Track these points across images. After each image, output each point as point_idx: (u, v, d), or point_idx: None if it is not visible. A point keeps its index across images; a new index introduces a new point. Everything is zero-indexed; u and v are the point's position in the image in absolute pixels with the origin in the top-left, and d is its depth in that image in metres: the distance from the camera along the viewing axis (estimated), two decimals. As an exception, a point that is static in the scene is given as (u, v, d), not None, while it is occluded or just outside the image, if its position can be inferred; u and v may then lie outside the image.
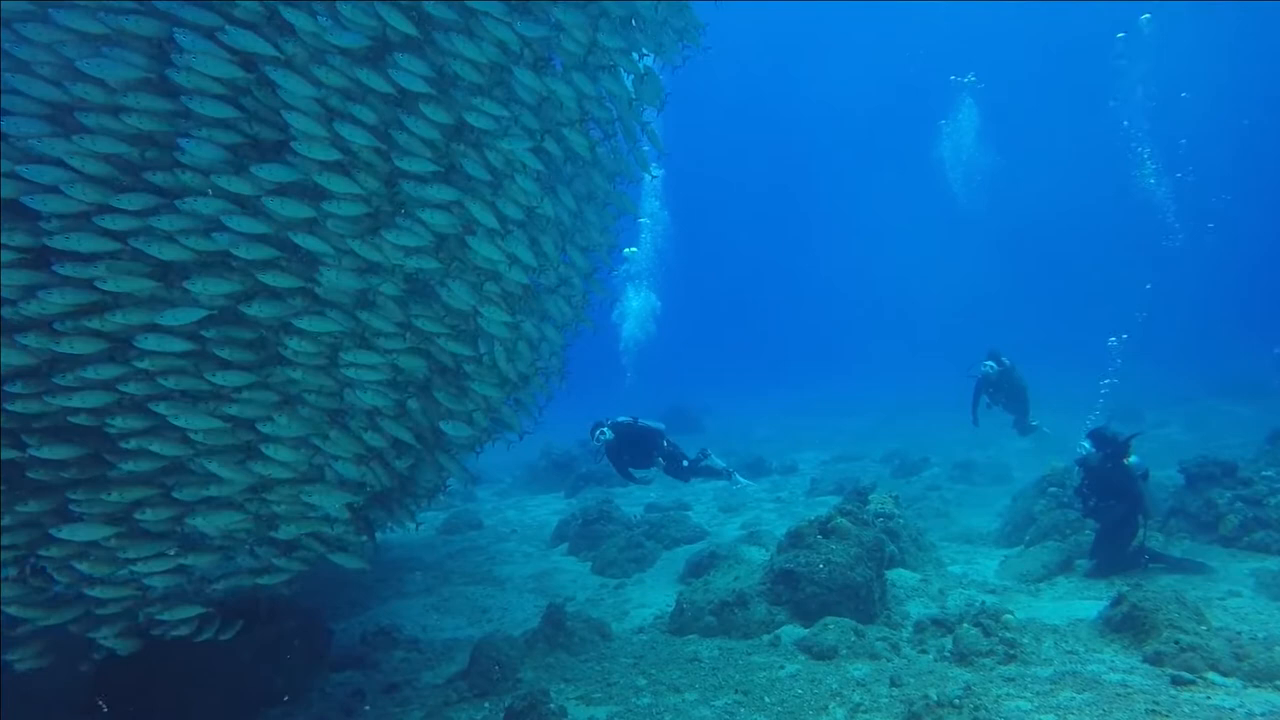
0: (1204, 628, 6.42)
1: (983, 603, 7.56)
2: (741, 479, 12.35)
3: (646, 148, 7.45)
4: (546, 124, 6.09)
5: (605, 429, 10.81)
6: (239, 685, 6.55)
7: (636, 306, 29.97)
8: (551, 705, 5.99)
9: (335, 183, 5.06)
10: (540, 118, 5.99)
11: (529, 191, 5.94)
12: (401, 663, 7.90)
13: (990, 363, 14.01)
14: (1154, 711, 5.33)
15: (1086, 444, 9.15)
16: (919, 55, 54.96)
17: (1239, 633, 6.42)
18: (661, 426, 11.29)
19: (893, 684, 6.14)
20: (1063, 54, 56.39)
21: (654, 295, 31.54)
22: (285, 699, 6.86)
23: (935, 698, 5.50)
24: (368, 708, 6.86)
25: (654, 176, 8.06)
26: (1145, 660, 6.22)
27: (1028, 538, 10.09)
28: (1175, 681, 5.80)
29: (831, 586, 7.61)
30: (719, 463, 11.84)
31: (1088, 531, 9.52)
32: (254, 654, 6.66)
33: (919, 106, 50.72)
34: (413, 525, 8.20)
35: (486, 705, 6.58)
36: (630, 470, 11.13)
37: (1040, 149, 58.88)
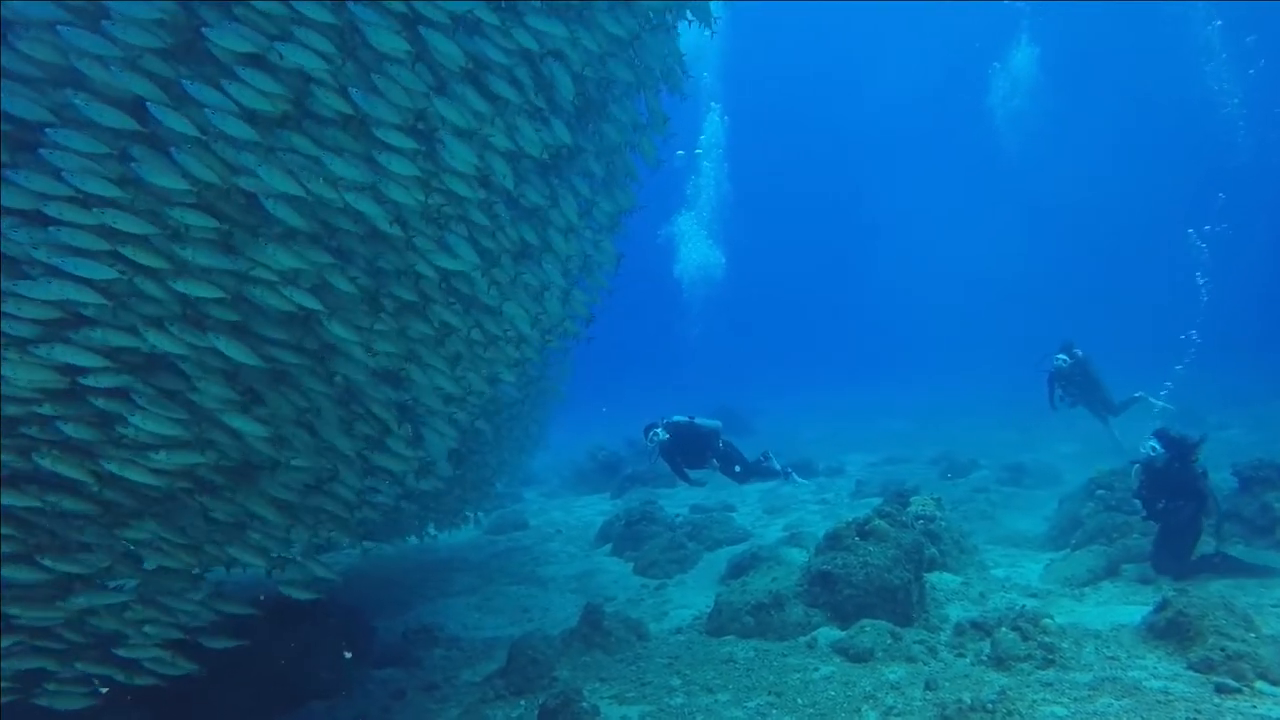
0: (1253, 635, 6.24)
1: (1022, 607, 7.44)
2: (799, 477, 12.14)
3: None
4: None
5: (660, 429, 10.77)
6: (282, 678, 6.74)
7: (693, 250, 29.77)
8: (584, 704, 6.08)
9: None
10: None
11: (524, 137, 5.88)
12: (442, 660, 8.06)
13: (1062, 355, 13.79)
14: None
15: (1154, 443, 8.94)
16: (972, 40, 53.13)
17: (1291, 640, 6.26)
18: (717, 425, 11.20)
19: (927, 687, 6.10)
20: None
21: (718, 250, 31.33)
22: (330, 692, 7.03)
23: (969, 701, 5.46)
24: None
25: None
26: (1190, 667, 6.07)
27: (1074, 541, 9.91)
28: (1220, 689, 5.65)
29: (868, 589, 7.57)
30: (778, 465, 11.69)
31: (1135, 536, 9.32)
32: (297, 649, 6.84)
33: (970, 96, 49.74)
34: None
35: (522, 703, 6.69)
36: (685, 470, 11.08)
37: (1107, 98, 56.19)
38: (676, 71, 7.61)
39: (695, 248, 31.01)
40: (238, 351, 4.92)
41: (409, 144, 5.21)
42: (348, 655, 7.21)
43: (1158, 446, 8.86)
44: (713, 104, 33.95)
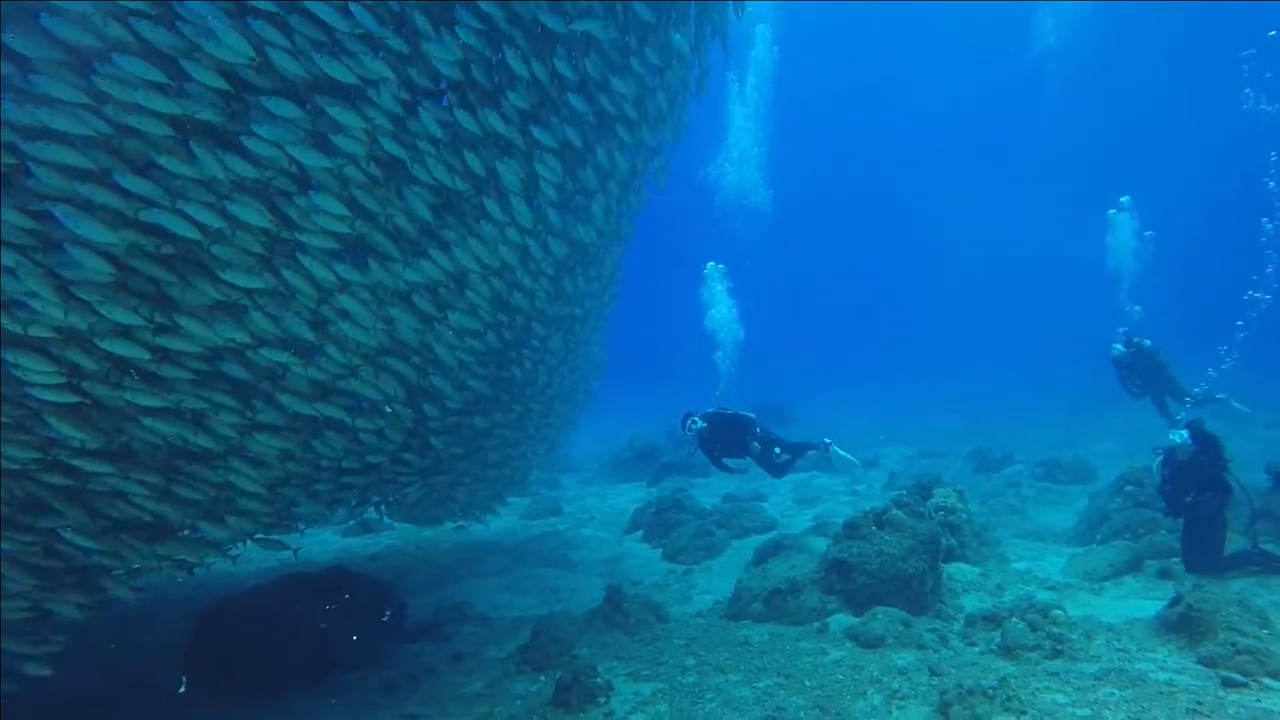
0: (1265, 632, 6.26)
1: (1034, 598, 7.51)
2: (840, 450, 12.05)
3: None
4: None
5: (697, 419, 10.87)
6: (315, 649, 7.09)
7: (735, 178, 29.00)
8: (599, 680, 6.34)
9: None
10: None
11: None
12: (471, 636, 8.35)
13: (1118, 345, 13.81)
14: (1195, 711, 5.28)
15: (1183, 432, 8.86)
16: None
17: (1306, 639, 6.27)
18: (752, 415, 11.27)
19: (932, 673, 6.23)
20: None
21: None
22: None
23: (969, 686, 5.58)
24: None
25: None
26: (1199, 661, 6.12)
27: (1099, 536, 9.91)
28: (1226, 683, 5.70)
29: (883, 577, 7.71)
30: (838, 452, 11.58)
31: (1163, 532, 9.28)
32: (333, 622, 7.19)
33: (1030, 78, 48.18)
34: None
35: (542, 678, 6.95)
36: (724, 460, 11.15)
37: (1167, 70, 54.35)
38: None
39: (738, 173, 29.89)
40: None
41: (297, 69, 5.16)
42: (386, 615, 7.53)
43: (1185, 436, 8.79)
44: (760, 26, 32.10)
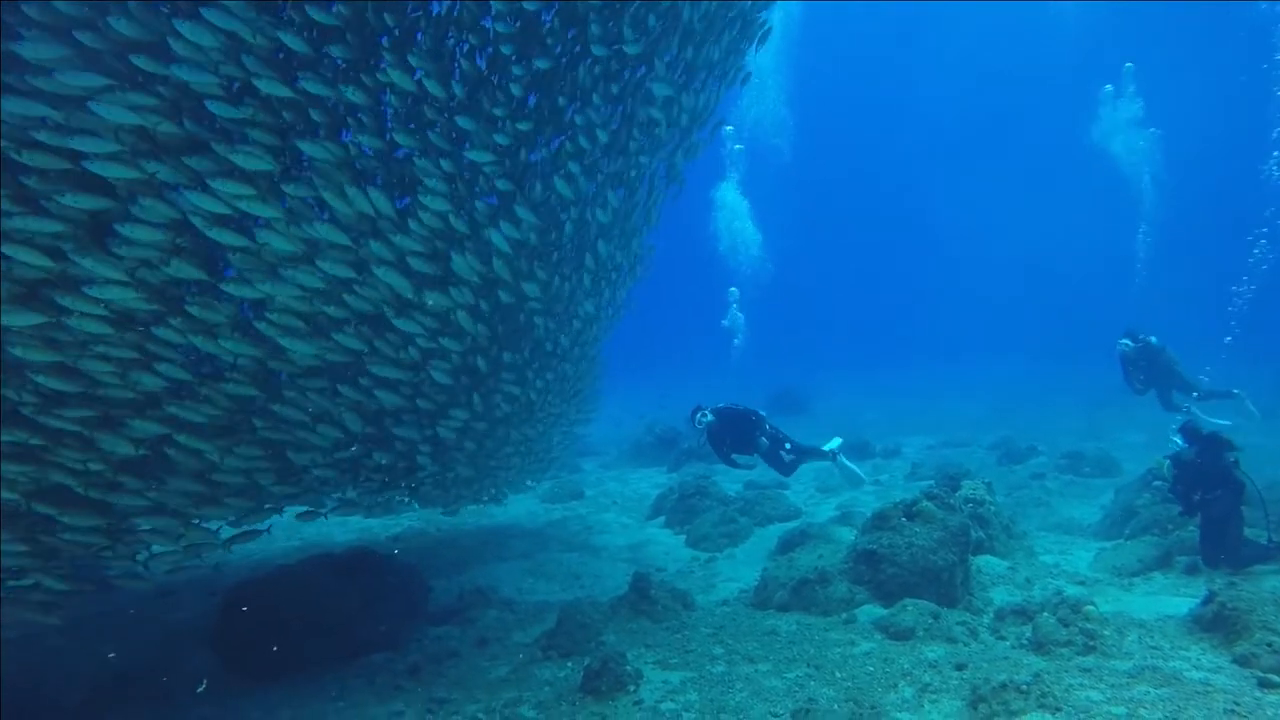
0: (1301, 631, 6.19)
1: (1065, 593, 7.45)
2: (848, 460, 11.97)
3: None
4: None
5: (706, 412, 10.75)
6: (346, 631, 7.12)
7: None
8: (628, 667, 6.33)
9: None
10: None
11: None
12: (495, 621, 8.37)
13: (1125, 340, 13.76)
14: (1233, 712, 5.22)
15: (1178, 439, 8.86)
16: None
17: (1344, 639, 6.19)
18: (763, 411, 11.16)
19: (964, 667, 6.20)
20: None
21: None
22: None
23: (1002, 681, 5.54)
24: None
25: None
26: (1234, 661, 6.05)
27: (1127, 531, 9.82)
28: (1263, 684, 5.64)
29: (912, 569, 7.66)
30: (829, 445, 11.45)
31: (1191, 528, 9.19)
32: (359, 604, 7.21)
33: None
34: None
35: (569, 664, 6.96)
36: (733, 455, 11.02)
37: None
38: None
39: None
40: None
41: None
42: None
43: (1181, 441, 8.77)
44: None
